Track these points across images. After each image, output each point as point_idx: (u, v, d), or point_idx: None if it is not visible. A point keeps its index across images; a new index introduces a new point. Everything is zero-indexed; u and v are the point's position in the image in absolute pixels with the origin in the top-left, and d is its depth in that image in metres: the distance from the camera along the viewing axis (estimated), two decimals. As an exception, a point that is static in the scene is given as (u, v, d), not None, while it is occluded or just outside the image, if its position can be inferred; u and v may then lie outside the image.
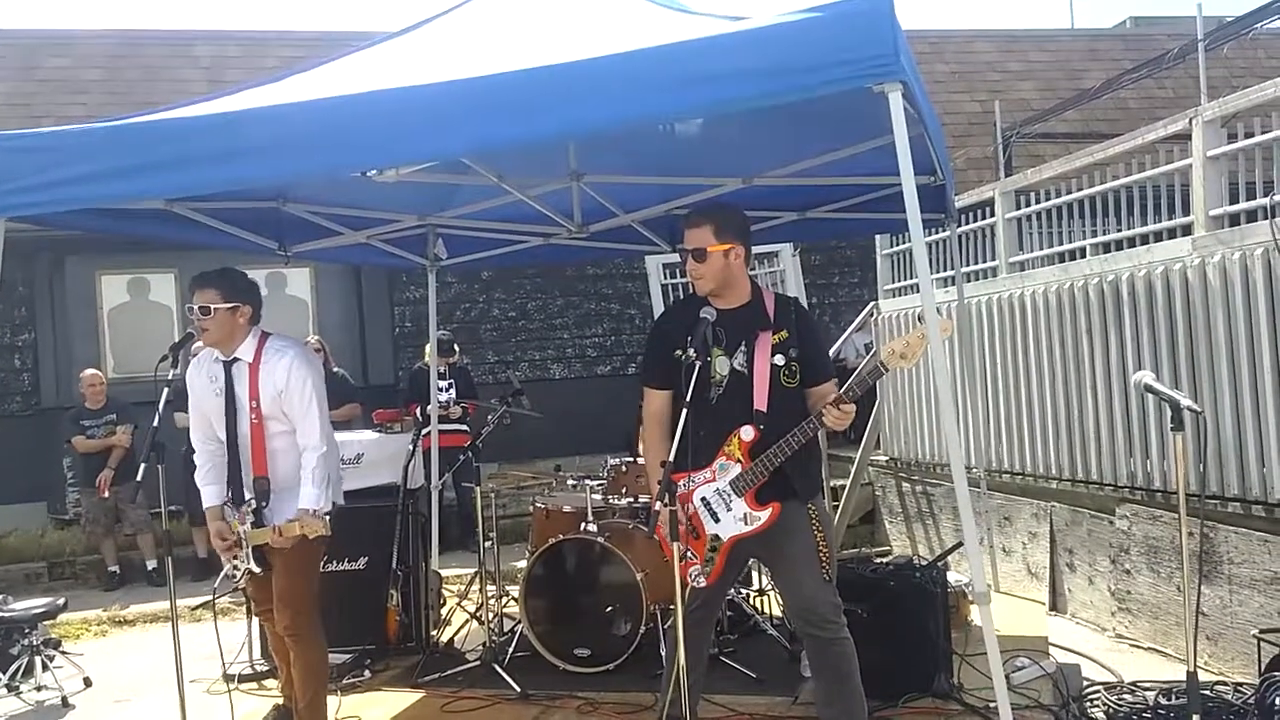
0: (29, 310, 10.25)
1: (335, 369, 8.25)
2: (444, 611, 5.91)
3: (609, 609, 5.00)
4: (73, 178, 3.43)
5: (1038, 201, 6.96)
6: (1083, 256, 6.34)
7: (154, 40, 12.19)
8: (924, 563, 4.75)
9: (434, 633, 5.64)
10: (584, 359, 11.69)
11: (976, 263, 7.54)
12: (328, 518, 3.99)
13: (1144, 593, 5.50)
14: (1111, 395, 5.76)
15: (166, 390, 3.97)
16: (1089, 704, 4.47)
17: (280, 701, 4.55)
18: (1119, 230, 6.21)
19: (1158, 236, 5.82)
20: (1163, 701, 4.32)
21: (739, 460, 3.55)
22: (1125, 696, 4.48)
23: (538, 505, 5.67)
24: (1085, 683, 4.72)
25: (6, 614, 5.65)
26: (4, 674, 5.38)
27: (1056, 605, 6.25)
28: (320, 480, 4.01)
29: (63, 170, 3.44)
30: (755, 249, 3.97)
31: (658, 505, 3.34)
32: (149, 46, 12.01)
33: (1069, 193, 6.64)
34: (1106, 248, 6.20)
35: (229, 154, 3.29)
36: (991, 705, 4.09)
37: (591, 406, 9.65)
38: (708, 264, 3.57)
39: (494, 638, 5.29)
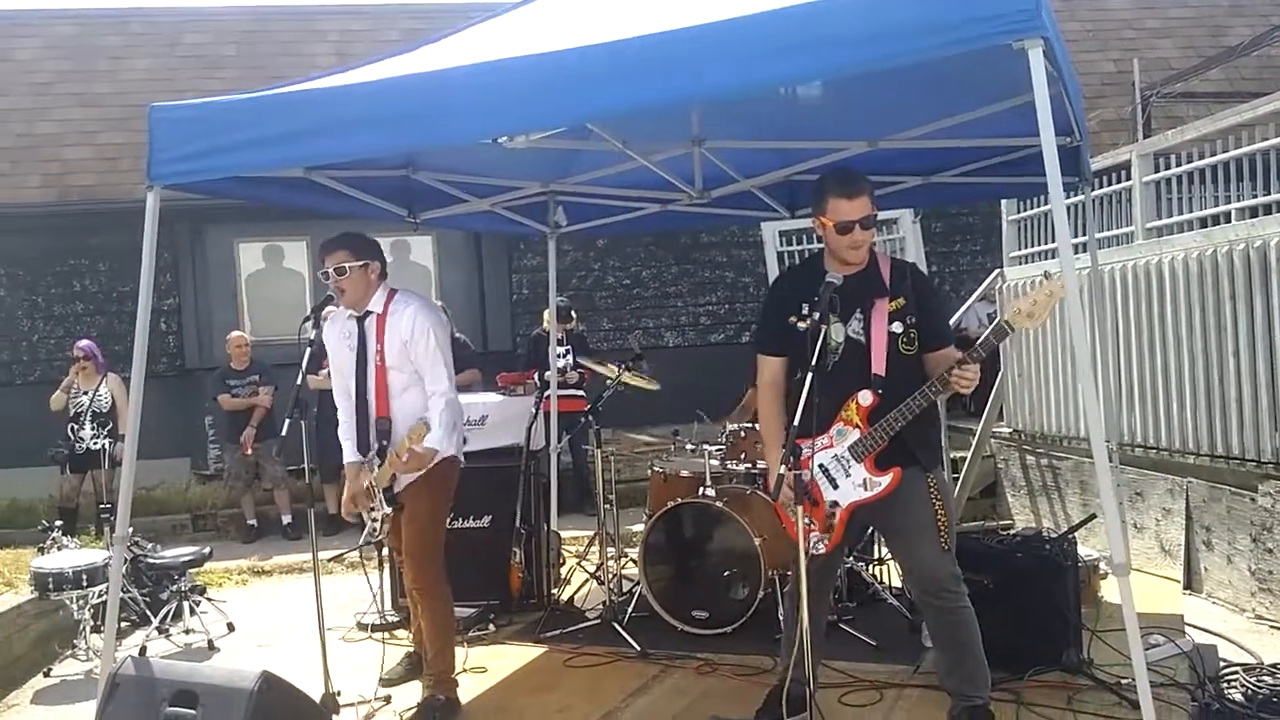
0: (173, 276, 10.78)
1: (457, 334, 8.44)
2: (564, 571, 6.04)
3: (727, 573, 5.04)
4: (222, 147, 3.59)
5: (1178, 164, 6.66)
6: (1226, 221, 6.05)
7: (284, 15, 12.61)
8: (1053, 535, 4.64)
9: (555, 590, 5.77)
10: (698, 327, 11.70)
11: (1110, 228, 7.25)
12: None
13: (1287, 573, 5.27)
14: (1256, 366, 5.50)
15: (308, 350, 4.13)
16: (1226, 685, 4.31)
17: (412, 650, 4.73)
18: (1267, 194, 5.89)
19: (1311, 200, 5.52)
20: (1307, 685, 4.15)
21: (857, 425, 3.53)
22: (1265, 679, 4.31)
23: (656, 470, 5.73)
24: (1222, 663, 4.56)
25: (158, 561, 6.01)
26: (155, 617, 5.72)
27: (1191, 584, 6.02)
28: (446, 424, 4.11)
29: (213, 140, 3.60)
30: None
31: (781, 469, 3.34)
32: (279, 21, 12.44)
33: (1212, 155, 6.33)
34: (1254, 212, 5.89)
35: (368, 122, 3.40)
36: (1124, 681, 4.00)
37: (705, 374, 9.64)
38: (871, 230, 3.55)
39: (613, 597, 5.39)
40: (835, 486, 3.57)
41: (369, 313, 4.20)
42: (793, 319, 3.53)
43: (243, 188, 4.39)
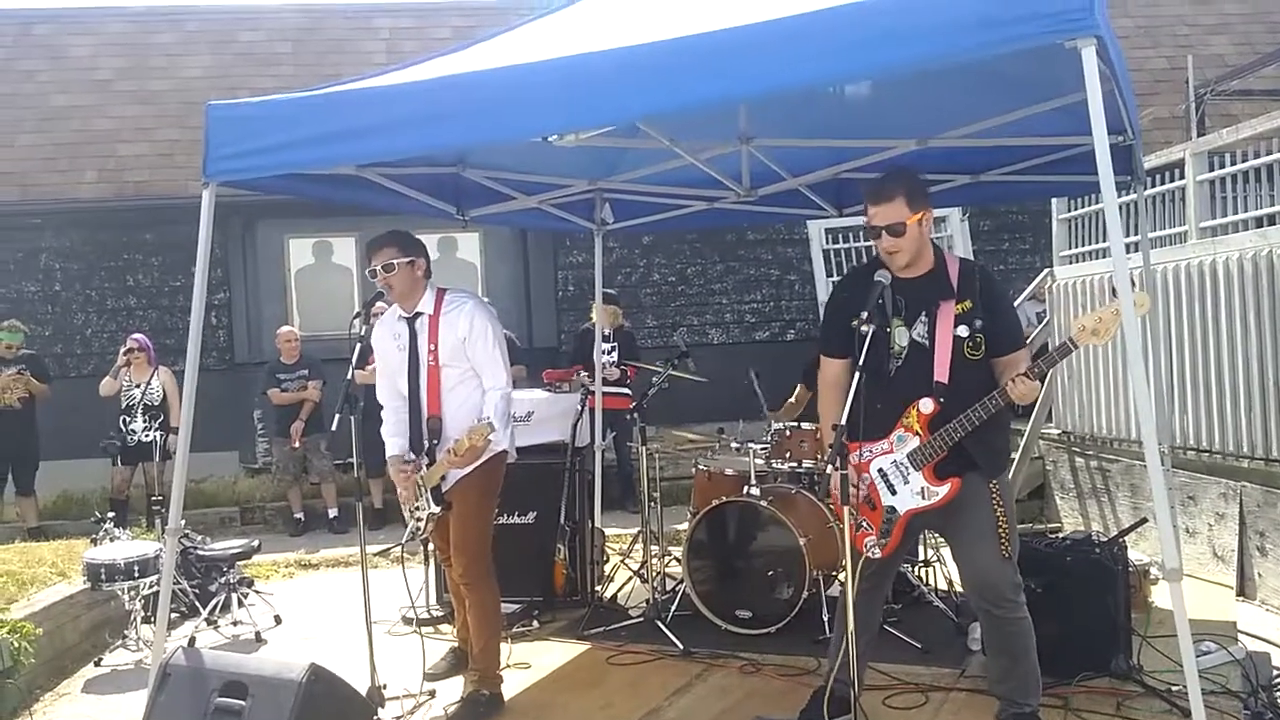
0: (224, 271, 10.94)
1: (503, 331, 8.47)
2: (607, 568, 6.05)
3: (771, 573, 5.02)
4: (278, 144, 3.65)
5: (1232, 163, 6.53)
6: (1284, 222, 5.94)
7: (336, 14, 12.75)
8: (1103, 539, 4.57)
9: (598, 588, 5.79)
10: (742, 324, 11.67)
11: (1163, 228, 7.13)
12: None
13: (1345, 582, 5.15)
14: (1315, 370, 5.38)
15: (359, 346, 4.18)
16: (1280, 694, 4.24)
17: (456, 645, 4.77)
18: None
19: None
20: (1365, 696, 4.06)
21: (917, 433, 3.49)
22: (1321, 689, 4.23)
23: (700, 467, 5.73)
24: (1275, 672, 4.46)
25: (207, 553, 6.09)
26: (204, 608, 5.79)
27: (1244, 590, 5.91)
28: (502, 415, 4.13)
29: (269, 137, 3.66)
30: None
31: (829, 469, 3.33)
32: (332, 20, 12.59)
33: (1267, 153, 6.20)
34: (1313, 212, 5.78)
35: (423, 120, 3.43)
36: (1174, 689, 3.94)
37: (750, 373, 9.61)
38: (905, 237, 3.47)
39: (657, 595, 5.39)
40: (893, 492, 3.54)
41: (419, 313, 4.24)
42: (854, 321, 3.49)
43: (295, 184, 4.46)
